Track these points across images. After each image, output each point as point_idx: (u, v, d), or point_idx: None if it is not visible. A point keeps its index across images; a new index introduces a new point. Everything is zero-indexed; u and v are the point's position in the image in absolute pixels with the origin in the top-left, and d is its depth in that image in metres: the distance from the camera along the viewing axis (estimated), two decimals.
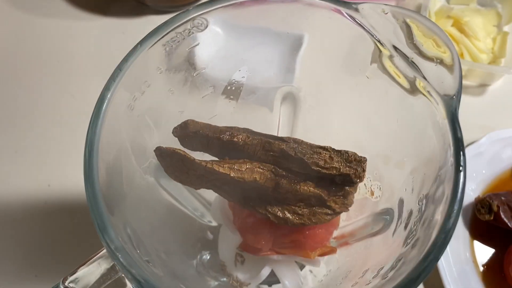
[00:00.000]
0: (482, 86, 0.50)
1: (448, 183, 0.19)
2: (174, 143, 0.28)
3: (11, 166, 0.45)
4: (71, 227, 0.42)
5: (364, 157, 0.27)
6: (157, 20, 0.55)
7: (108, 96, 0.20)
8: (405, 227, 0.23)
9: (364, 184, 0.29)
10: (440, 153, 0.21)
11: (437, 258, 0.17)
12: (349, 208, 0.27)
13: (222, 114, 0.30)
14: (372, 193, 0.29)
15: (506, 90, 0.51)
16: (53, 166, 0.45)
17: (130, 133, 0.23)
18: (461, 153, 0.19)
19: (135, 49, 0.21)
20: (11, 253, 0.41)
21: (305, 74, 0.29)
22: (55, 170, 0.44)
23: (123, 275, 0.21)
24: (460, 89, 0.20)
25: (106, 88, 0.20)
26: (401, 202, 0.25)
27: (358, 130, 0.28)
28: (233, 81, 0.28)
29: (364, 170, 0.27)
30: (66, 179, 0.44)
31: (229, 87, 0.29)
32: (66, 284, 0.21)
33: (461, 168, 0.18)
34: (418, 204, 0.22)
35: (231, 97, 0.29)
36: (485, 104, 0.49)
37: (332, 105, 0.29)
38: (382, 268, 0.23)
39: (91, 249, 0.39)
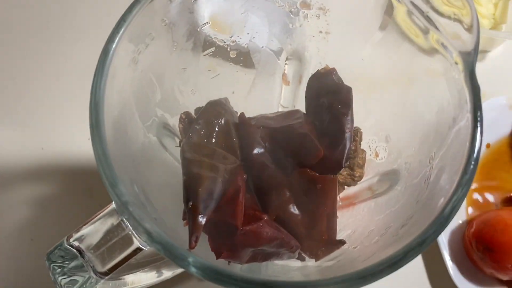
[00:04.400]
0: (482, 52, 0.50)
1: (463, 140, 0.19)
2: (174, 101, 0.27)
3: (2, 130, 0.44)
4: (66, 189, 0.41)
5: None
6: None
7: (113, 48, 0.19)
8: (414, 186, 0.23)
9: (369, 146, 0.29)
10: (454, 110, 0.20)
11: (455, 211, 0.17)
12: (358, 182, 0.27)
13: (225, 75, 0.29)
14: (377, 155, 0.29)
15: (506, 56, 0.50)
16: (45, 129, 0.43)
17: (134, 89, 0.22)
18: (479, 108, 0.18)
19: None
20: (5, 217, 0.40)
21: (311, 32, 0.28)
22: (47, 133, 0.43)
23: (130, 232, 0.20)
24: (477, 43, 0.20)
25: (110, 40, 0.19)
26: (408, 162, 0.25)
27: (364, 88, 0.28)
28: (238, 38, 0.27)
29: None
30: (59, 141, 0.43)
31: (233, 45, 0.28)
32: (70, 241, 0.20)
33: (478, 123, 0.18)
34: (429, 162, 0.22)
35: (235, 57, 0.29)
36: (485, 70, 0.49)
37: (339, 63, 0.28)
38: (390, 227, 0.23)
39: (87, 210, 0.39)
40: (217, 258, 0.23)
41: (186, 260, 0.17)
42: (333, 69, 0.26)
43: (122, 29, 0.20)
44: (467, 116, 0.19)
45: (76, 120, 0.44)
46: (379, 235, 0.23)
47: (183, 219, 0.24)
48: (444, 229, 0.17)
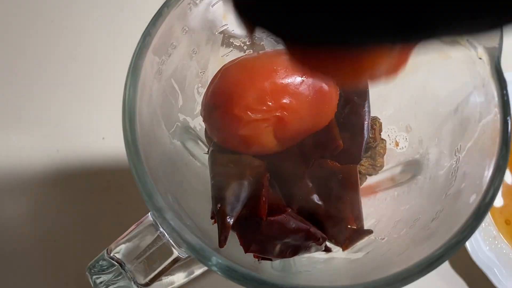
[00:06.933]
0: None
1: (492, 135, 0.19)
2: (194, 103, 0.27)
3: (16, 134, 0.44)
4: (83, 188, 0.42)
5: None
6: None
7: (140, 64, 0.19)
8: (440, 178, 0.23)
9: (388, 135, 0.29)
10: (480, 104, 0.20)
11: (489, 207, 0.17)
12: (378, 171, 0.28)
13: None
14: (397, 144, 0.29)
15: None
16: (59, 131, 0.44)
17: (159, 99, 0.22)
18: (507, 103, 0.18)
19: (161, 11, 0.20)
20: (28, 218, 0.41)
21: None
22: (62, 135, 0.44)
23: (168, 241, 0.21)
24: (502, 36, 0.20)
25: (139, 56, 0.19)
26: (431, 153, 0.25)
27: None
28: (254, 36, 0.27)
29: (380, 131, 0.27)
30: (74, 142, 0.43)
31: (249, 44, 0.28)
32: (111, 254, 0.21)
33: (508, 118, 0.18)
34: (455, 155, 0.22)
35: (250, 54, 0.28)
36: None
37: None
38: (417, 219, 0.23)
39: (105, 208, 0.40)
40: (245, 252, 0.24)
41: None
42: None
43: (148, 43, 0.20)
44: (495, 111, 0.19)
45: (89, 120, 0.44)
46: (408, 227, 0.24)
47: (211, 218, 0.25)
48: (479, 225, 0.17)
